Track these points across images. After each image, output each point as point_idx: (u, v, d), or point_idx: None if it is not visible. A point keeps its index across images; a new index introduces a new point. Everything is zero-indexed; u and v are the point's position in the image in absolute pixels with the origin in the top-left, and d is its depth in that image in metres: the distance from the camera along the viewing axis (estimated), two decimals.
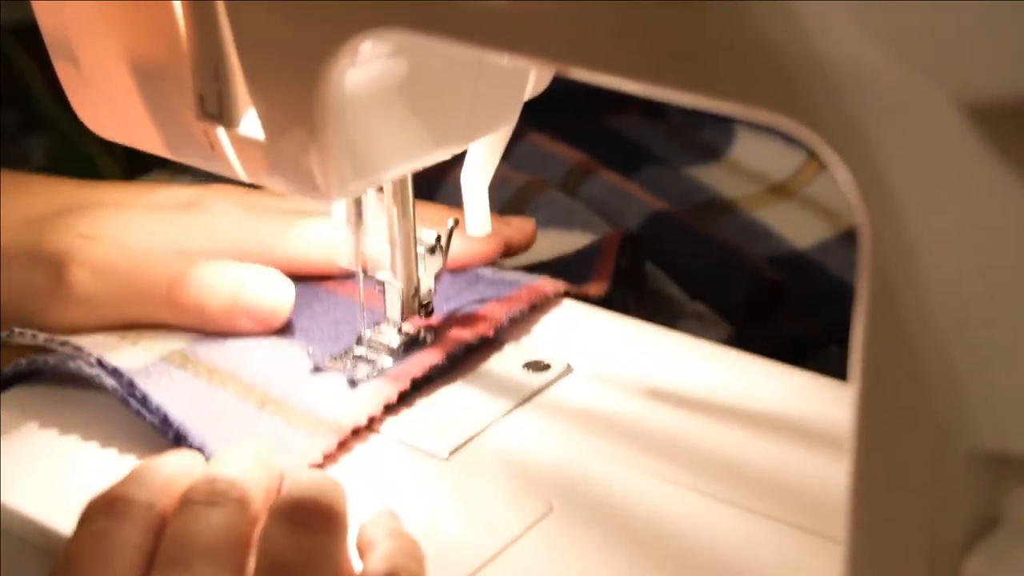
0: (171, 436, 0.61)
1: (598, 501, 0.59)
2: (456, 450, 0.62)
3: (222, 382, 0.65)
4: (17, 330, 0.67)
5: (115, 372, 0.63)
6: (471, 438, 0.62)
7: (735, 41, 0.41)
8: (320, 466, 0.61)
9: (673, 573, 0.55)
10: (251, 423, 0.62)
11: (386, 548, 0.54)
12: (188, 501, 0.54)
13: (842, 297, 0.81)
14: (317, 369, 0.65)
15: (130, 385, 0.63)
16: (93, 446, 0.63)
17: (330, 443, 0.61)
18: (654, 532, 0.57)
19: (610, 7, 0.43)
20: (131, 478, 0.55)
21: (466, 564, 0.55)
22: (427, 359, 0.66)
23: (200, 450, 0.60)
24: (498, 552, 0.56)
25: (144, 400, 0.62)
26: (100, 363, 0.64)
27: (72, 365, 0.65)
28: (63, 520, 0.57)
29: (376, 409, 0.63)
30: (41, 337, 0.66)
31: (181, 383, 0.64)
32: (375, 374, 0.65)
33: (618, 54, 0.44)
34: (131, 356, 0.66)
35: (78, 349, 0.65)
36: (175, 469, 0.56)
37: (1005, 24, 0.37)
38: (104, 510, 0.54)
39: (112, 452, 0.63)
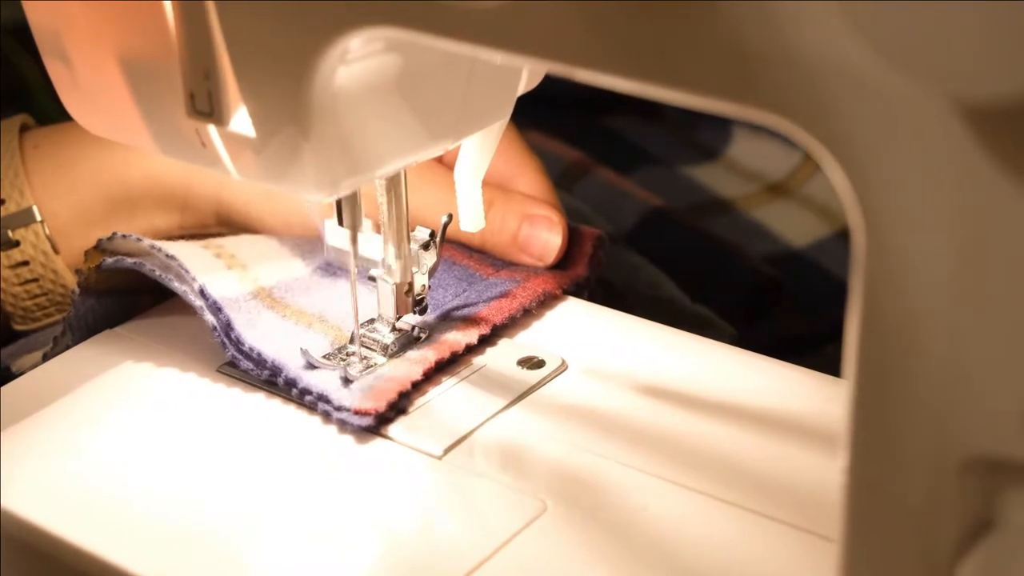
0: (265, 375, 0.65)
1: (592, 499, 0.58)
2: (450, 449, 0.62)
3: (309, 323, 0.67)
4: (120, 233, 0.68)
5: (215, 307, 0.66)
6: (465, 436, 0.62)
7: (725, 42, 0.40)
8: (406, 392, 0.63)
9: (667, 571, 0.55)
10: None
11: None
12: None
13: (839, 296, 0.81)
14: (310, 366, 0.65)
15: (227, 326, 0.65)
16: (91, 448, 0.63)
17: (417, 371, 0.64)
18: (649, 530, 0.57)
19: (598, 7, 0.43)
20: None
21: (461, 563, 0.55)
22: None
23: (294, 383, 0.63)
24: (493, 552, 0.56)
25: (238, 342, 0.65)
26: (203, 293, 0.66)
27: (178, 287, 0.67)
28: (61, 523, 0.58)
29: (445, 353, 0.66)
30: (147, 242, 0.68)
31: (271, 322, 0.67)
32: (368, 371, 0.65)
33: (606, 53, 0.43)
34: (227, 283, 0.68)
35: (184, 269, 0.67)
36: None
37: (997, 23, 0.36)
38: None
39: (111, 453, 0.62)
